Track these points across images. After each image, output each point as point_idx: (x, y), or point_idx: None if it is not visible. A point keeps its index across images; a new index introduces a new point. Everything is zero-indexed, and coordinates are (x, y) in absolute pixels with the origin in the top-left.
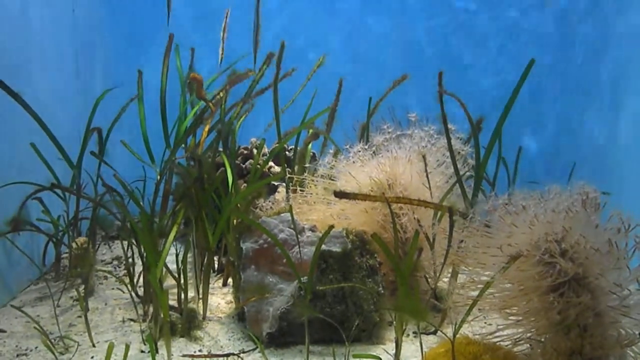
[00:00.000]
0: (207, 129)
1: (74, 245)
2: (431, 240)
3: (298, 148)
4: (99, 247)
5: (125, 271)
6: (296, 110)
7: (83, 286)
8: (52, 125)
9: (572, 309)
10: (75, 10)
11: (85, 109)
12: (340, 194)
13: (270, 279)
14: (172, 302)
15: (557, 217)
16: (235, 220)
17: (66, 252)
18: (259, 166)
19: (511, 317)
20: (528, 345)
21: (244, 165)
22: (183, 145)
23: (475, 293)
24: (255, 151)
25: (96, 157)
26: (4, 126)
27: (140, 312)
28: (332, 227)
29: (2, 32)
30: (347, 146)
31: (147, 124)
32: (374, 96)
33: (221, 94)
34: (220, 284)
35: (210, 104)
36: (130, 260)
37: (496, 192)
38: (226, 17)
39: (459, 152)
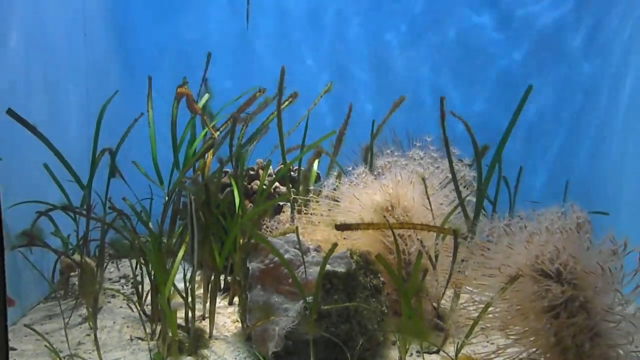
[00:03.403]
0: (211, 151)
1: (76, 257)
2: (434, 261)
3: (302, 169)
4: (107, 265)
5: (133, 289)
6: (299, 131)
7: (92, 305)
8: (62, 145)
9: (567, 329)
10: (87, 33)
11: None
12: (342, 227)
13: (276, 299)
14: (180, 321)
15: (551, 237)
16: (241, 240)
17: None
18: (265, 187)
19: (511, 337)
20: None
21: (249, 186)
22: (191, 169)
23: (477, 313)
24: (261, 172)
25: (121, 178)
26: (18, 147)
27: (148, 330)
28: (335, 244)
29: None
30: (350, 168)
31: (155, 142)
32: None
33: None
34: (226, 303)
35: (204, 118)
36: (138, 278)
37: (497, 213)
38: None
39: (462, 177)
